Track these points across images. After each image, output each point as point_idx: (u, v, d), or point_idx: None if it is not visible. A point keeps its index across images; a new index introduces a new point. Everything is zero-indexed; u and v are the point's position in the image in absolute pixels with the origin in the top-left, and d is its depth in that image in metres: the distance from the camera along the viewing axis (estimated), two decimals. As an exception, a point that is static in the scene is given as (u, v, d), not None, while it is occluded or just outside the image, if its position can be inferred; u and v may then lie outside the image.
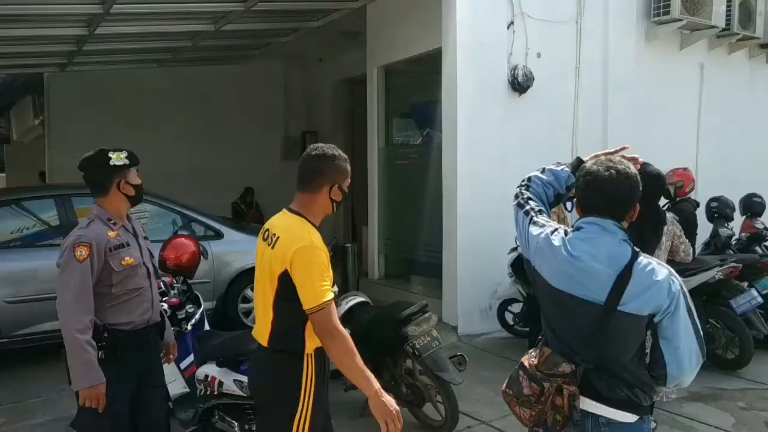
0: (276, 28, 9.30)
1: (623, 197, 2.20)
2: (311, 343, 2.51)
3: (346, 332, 2.44)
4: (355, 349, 2.43)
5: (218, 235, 6.75)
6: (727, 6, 8.10)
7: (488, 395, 5.09)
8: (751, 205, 7.86)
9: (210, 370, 3.92)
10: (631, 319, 2.09)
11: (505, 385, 2.27)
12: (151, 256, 3.25)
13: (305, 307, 2.40)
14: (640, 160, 2.45)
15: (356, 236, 11.20)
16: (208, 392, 3.89)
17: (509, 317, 6.77)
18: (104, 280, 2.93)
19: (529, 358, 2.22)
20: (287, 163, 12.82)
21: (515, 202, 2.42)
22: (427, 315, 4.50)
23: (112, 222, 3.02)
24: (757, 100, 9.23)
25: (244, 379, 3.60)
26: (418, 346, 4.29)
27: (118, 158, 3.05)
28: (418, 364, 4.40)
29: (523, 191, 2.42)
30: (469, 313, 6.86)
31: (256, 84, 11.97)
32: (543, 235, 2.24)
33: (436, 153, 7.19)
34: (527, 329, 6.26)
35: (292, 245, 2.41)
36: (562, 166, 2.47)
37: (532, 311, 5.90)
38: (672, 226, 5.24)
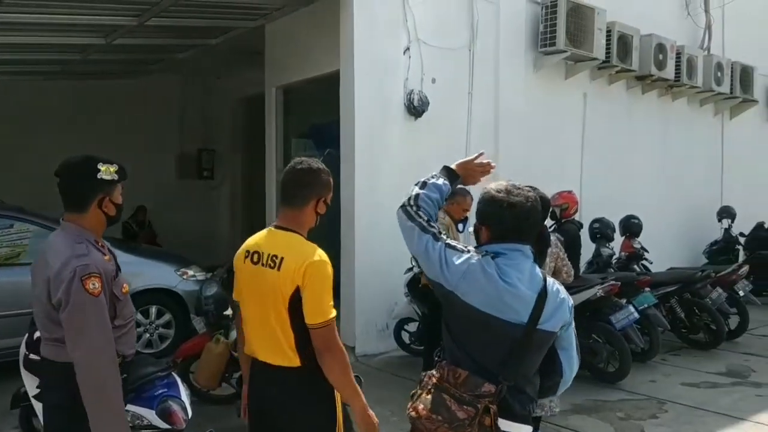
0: (171, 44, 9.11)
1: (539, 224, 2.37)
2: None
3: (344, 348, 2.47)
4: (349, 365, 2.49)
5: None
6: (607, 40, 8.67)
7: (385, 415, 5.12)
8: (629, 226, 8.43)
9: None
10: (547, 336, 2.24)
11: (427, 411, 2.19)
12: None
13: (311, 321, 2.39)
14: (493, 164, 2.57)
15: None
16: None
17: (406, 336, 6.87)
18: (109, 312, 2.52)
19: (439, 380, 2.23)
20: (182, 181, 12.53)
21: (415, 224, 2.34)
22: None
23: (100, 245, 2.59)
24: (634, 128, 9.89)
25: (134, 409, 3.45)
26: (313, 368, 4.27)
27: (107, 171, 2.63)
28: (314, 386, 4.38)
29: (419, 213, 2.35)
30: (367, 332, 6.90)
31: (150, 100, 11.63)
32: (473, 262, 2.24)
33: (335, 174, 7.21)
34: (423, 347, 6.37)
35: (304, 261, 2.40)
36: (442, 180, 2.46)
37: (428, 330, 6.03)
38: (555, 248, 5.51)
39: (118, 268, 2.68)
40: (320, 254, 2.45)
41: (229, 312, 5.01)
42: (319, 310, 2.40)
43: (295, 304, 2.42)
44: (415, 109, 7.07)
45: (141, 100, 11.39)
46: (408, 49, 7.07)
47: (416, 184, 2.43)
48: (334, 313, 2.44)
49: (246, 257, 2.57)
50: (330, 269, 2.46)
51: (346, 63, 6.87)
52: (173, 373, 3.65)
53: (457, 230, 5.83)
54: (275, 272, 2.44)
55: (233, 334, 4.79)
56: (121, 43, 8.31)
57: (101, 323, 2.45)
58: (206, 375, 4.76)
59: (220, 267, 5.55)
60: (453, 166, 2.52)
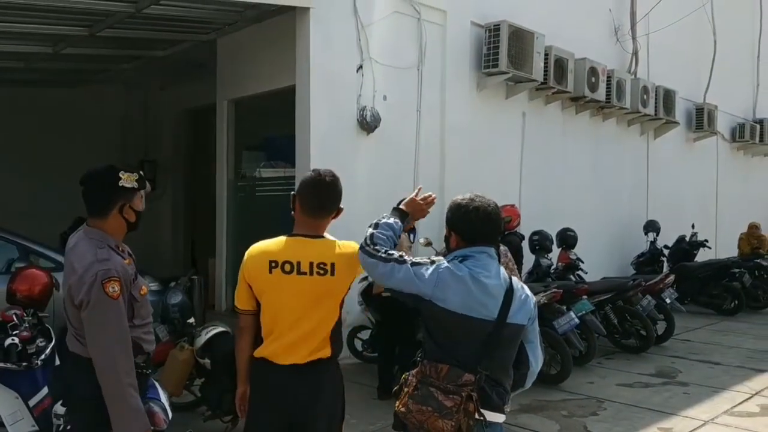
0: (119, 54, 9.07)
1: (501, 227, 2.69)
2: None
3: None
4: None
5: (60, 267, 6.42)
6: (545, 63, 9.18)
7: (343, 418, 5.32)
8: (565, 239, 8.94)
9: (69, 404, 3.80)
10: (517, 329, 2.52)
11: (417, 404, 2.43)
12: None
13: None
14: (433, 195, 2.90)
15: (196, 269, 10.99)
16: (68, 427, 3.76)
17: (359, 344, 7.08)
18: (127, 312, 2.68)
19: (424, 376, 2.48)
20: (124, 192, 12.33)
21: (375, 259, 2.52)
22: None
23: (121, 249, 2.76)
24: (568, 145, 10.46)
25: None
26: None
27: (128, 180, 2.76)
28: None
29: (376, 248, 2.55)
30: (320, 341, 7.05)
31: (90, 109, 11.42)
32: (441, 270, 2.47)
33: (287, 186, 7.39)
34: (376, 354, 6.60)
35: (352, 254, 2.65)
36: (393, 219, 2.71)
37: (382, 337, 6.27)
38: (504, 258, 5.84)
39: (139, 271, 2.83)
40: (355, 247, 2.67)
41: (192, 320, 5.11)
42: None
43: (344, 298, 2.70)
44: (368, 124, 7.34)
45: (80, 110, 11.18)
46: (361, 67, 7.34)
47: (370, 226, 2.66)
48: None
49: (273, 267, 2.67)
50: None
51: (301, 79, 7.07)
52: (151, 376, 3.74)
53: (410, 240, 6.10)
54: (328, 278, 2.64)
55: (198, 341, 4.90)
56: (69, 52, 8.24)
57: (119, 324, 2.60)
58: (171, 382, 4.83)
59: (182, 276, 5.64)
60: (402, 206, 2.80)
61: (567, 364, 6.30)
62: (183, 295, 5.10)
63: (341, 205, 2.83)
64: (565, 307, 6.66)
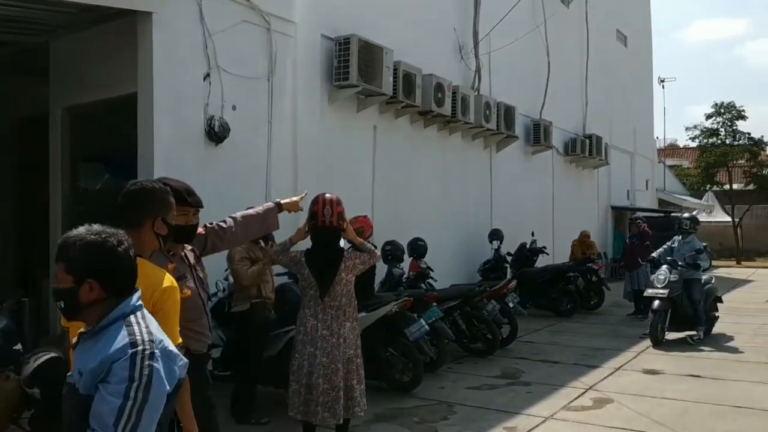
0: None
1: None
2: None
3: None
4: None
5: None
6: (394, 78, 9.42)
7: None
8: (416, 248, 9.18)
9: None
10: None
11: None
12: (205, 284, 3.25)
13: None
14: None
15: (32, 290, 10.10)
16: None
17: (209, 363, 6.80)
18: None
19: None
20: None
21: None
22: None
23: (171, 254, 3.04)
24: (418, 158, 10.80)
25: None
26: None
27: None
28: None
29: None
30: (167, 362, 6.72)
31: None
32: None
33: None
34: (227, 373, 6.38)
35: (154, 288, 2.35)
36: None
37: (237, 355, 6.07)
38: (350, 261, 5.51)
39: (193, 276, 3.17)
40: (169, 279, 2.48)
41: (19, 347, 4.66)
42: (171, 336, 2.39)
43: None
44: (216, 135, 7.13)
45: None
46: (208, 75, 7.12)
47: None
48: (180, 339, 2.49)
49: None
50: (178, 294, 2.49)
51: (144, 86, 6.73)
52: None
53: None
54: None
55: (26, 369, 4.47)
56: None
57: None
58: (-5, 416, 4.38)
59: (9, 299, 5.13)
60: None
61: (418, 371, 6.44)
62: (7, 319, 4.63)
63: (163, 216, 2.63)
64: (415, 315, 6.81)
